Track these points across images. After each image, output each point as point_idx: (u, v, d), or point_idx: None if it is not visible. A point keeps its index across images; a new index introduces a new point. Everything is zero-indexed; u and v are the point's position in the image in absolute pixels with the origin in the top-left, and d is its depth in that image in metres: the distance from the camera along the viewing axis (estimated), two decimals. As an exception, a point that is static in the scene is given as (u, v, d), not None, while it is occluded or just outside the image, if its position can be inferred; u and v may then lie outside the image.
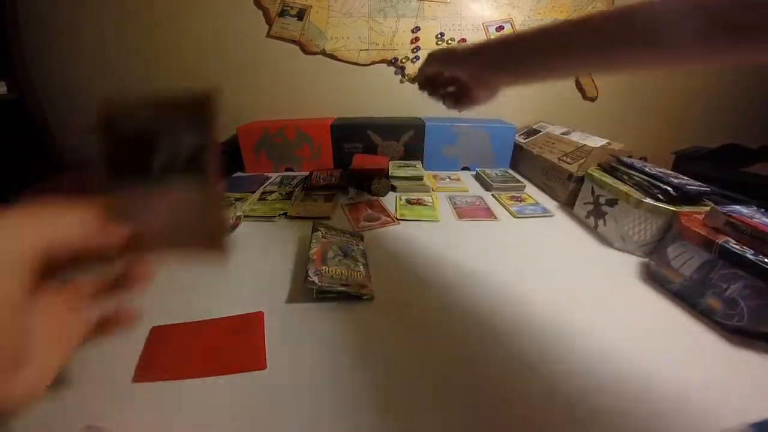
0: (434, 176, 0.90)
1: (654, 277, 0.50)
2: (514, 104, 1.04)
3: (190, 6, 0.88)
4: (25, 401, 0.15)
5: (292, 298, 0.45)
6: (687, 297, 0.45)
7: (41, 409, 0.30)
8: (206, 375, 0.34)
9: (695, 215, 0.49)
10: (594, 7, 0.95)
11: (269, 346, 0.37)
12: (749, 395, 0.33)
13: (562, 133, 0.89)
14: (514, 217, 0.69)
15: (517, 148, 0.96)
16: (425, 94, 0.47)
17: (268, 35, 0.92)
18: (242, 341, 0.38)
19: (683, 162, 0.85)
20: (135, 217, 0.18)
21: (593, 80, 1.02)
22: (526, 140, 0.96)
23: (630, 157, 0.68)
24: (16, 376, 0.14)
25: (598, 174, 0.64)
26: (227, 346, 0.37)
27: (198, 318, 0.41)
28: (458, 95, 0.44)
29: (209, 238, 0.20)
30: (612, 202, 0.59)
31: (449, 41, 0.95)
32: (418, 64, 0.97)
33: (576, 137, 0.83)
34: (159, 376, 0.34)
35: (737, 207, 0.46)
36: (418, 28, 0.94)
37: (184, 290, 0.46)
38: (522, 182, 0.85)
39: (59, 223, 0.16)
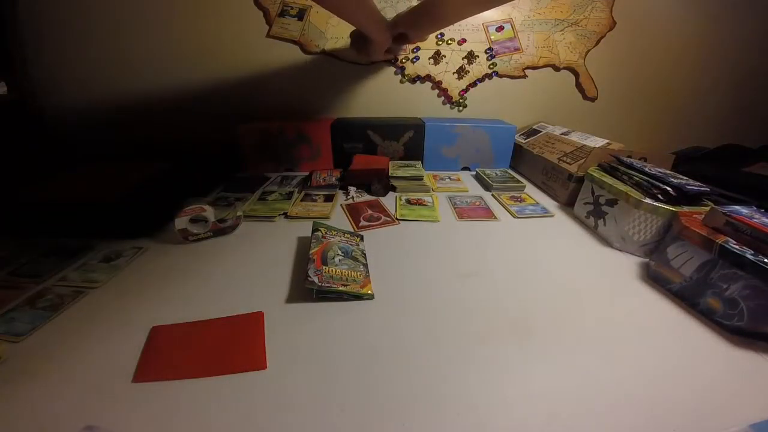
0: (434, 176, 0.90)
1: (654, 277, 0.50)
2: (514, 104, 1.04)
3: (190, 6, 0.88)
4: (380, 56, 0.86)
5: (292, 298, 0.45)
6: (687, 297, 0.45)
7: (41, 409, 0.30)
8: (206, 375, 0.34)
9: (695, 215, 0.49)
10: (594, 8, 0.95)
11: (269, 346, 0.37)
12: (749, 395, 0.33)
13: (562, 133, 0.89)
14: (514, 217, 0.69)
15: (517, 148, 0.96)
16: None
17: (268, 35, 0.92)
18: (242, 341, 0.38)
19: (683, 162, 0.85)
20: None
21: (593, 80, 1.02)
22: (526, 140, 0.96)
23: (630, 157, 0.68)
24: (383, 49, 0.77)
25: (598, 174, 0.64)
26: (227, 346, 0.37)
27: (198, 318, 0.41)
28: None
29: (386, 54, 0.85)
30: (612, 202, 0.59)
31: (449, 41, 0.95)
32: (418, 64, 0.97)
33: (576, 137, 0.83)
34: (159, 376, 0.34)
35: (737, 207, 0.46)
36: (418, 28, 0.94)
37: (184, 290, 0.47)
38: (522, 182, 0.85)
39: (387, 39, 0.75)
